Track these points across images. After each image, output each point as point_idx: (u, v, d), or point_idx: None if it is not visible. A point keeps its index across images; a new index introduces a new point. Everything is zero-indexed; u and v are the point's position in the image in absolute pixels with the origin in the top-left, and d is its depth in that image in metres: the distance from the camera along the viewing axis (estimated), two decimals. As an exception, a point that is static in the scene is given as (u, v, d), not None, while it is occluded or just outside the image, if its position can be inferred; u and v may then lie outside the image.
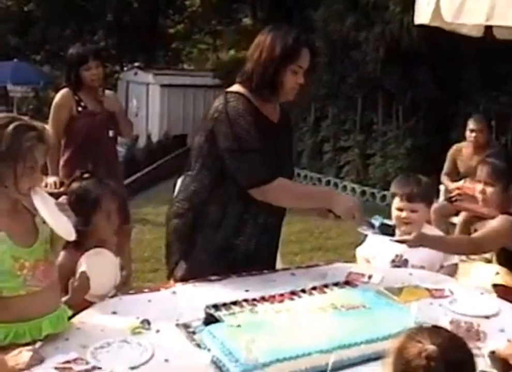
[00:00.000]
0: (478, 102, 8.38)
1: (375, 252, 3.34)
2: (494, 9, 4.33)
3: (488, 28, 5.57)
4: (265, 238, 2.87)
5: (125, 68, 16.60)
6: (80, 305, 2.46)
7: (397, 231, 2.93)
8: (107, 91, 4.72)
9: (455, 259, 3.31)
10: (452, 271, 3.25)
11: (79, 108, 4.49)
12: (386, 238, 2.87)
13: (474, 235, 3.23)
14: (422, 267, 3.13)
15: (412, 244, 2.90)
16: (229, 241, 2.78)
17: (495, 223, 3.15)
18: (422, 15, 5.07)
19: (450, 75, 8.65)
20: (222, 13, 16.33)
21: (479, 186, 3.32)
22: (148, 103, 13.23)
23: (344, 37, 8.94)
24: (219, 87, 12.37)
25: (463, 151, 5.91)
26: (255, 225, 2.80)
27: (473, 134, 5.73)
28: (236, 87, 2.82)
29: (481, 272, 3.35)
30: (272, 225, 2.91)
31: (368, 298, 2.43)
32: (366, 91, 9.13)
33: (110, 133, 4.62)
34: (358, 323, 2.21)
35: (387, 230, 2.86)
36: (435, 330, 1.59)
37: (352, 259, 5.85)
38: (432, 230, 3.32)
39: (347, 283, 2.61)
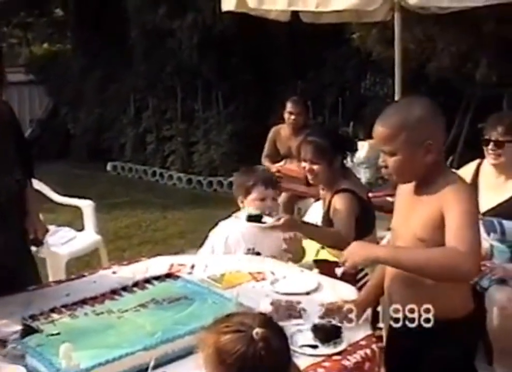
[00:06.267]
0: (295, 84, 8.69)
1: None
2: (294, -6, 4.49)
3: (295, 13, 5.77)
4: None
5: None
6: None
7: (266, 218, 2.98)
8: None
9: None
10: None
11: None
12: None
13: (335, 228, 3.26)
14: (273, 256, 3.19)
15: (283, 229, 2.97)
16: None
17: (338, 206, 3.28)
18: (228, 2, 5.16)
19: (265, 59, 8.90)
20: (32, 4, 15.60)
21: (306, 165, 3.44)
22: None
23: (158, 26, 8.89)
24: (33, 82, 11.89)
25: (282, 133, 6.07)
26: None
27: (292, 117, 5.90)
28: None
29: (307, 248, 3.47)
30: None
31: (190, 289, 2.45)
32: (185, 80, 9.15)
33: None
34: (180, 315, 2.22)
35: (256, 219, 2.96)
36: (241, 315, 1.61)
37: (183, 248, 5.94)
38: None
39: (168, 275, 2.60)
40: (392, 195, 4.67)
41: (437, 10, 5.31)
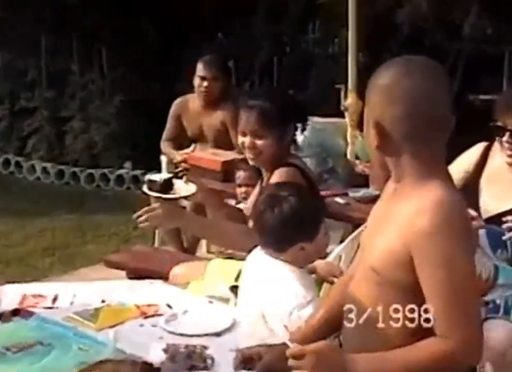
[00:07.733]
0: (213, 37, 8.75)
1: None
2: None
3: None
4: None
5: None
6: None
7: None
8: None
9: None
10: None
11: None
12: None
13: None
14: None
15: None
16: None
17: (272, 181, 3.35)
18: None
19: (172, 3, 8.90)
20: None
21: (245, 140, 3.46)
22: None
23: None
24: None
25: (190, 107, 6.03)
26: None
27: (205, 83, 5.83)
28: None
29: (223, 269, 3.50)
30: None
31: (48, 330, 2.44)
32: (52, 27, 9.09)
33: None
34: (33, 368, 2.21)
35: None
36: (117, 362, 1.65)
37: (51, 270, 5.89)
38: None
39: (16, 313, 2.58)
40: (343, 195, 4.79)
41: None
